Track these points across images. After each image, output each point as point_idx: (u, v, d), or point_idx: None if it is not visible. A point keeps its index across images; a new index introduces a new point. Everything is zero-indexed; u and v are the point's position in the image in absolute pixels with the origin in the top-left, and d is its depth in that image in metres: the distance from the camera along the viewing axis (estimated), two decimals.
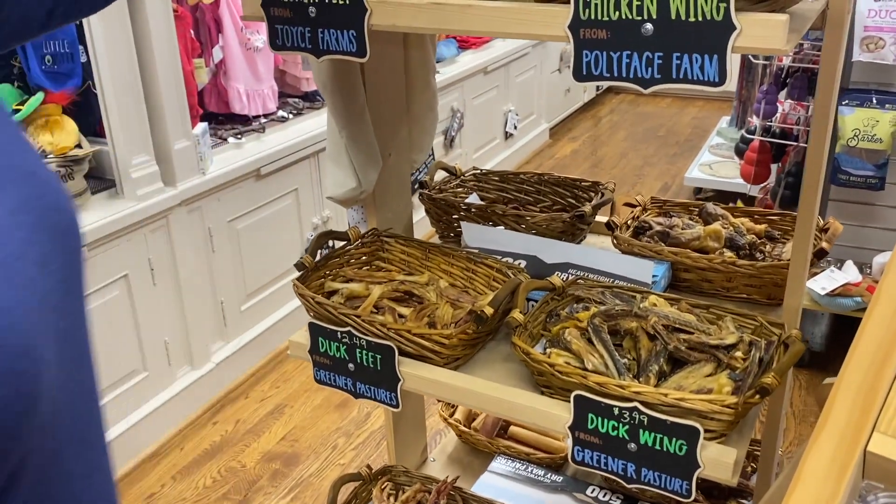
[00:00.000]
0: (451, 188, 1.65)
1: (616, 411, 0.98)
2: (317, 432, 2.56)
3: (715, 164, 4.34)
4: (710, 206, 1.46)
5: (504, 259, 1.33)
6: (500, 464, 1.66)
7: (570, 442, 1.03)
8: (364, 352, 1.16)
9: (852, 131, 2.54)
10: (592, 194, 1.58)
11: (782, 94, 2.89)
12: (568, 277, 1.27)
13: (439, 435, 2.44)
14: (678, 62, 0.81)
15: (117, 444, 2.37)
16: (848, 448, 0.71)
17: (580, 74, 0.86)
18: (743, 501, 1.50)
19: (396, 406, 1.18)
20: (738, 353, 1.01)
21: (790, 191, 2.64)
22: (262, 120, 2.95)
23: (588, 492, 1.56)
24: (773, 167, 3.03)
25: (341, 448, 2.48)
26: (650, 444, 0.98)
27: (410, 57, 1.41)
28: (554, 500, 1.55)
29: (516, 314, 1.10)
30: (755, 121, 3.00)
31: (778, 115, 2.93)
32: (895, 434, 0.71)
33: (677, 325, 1.07)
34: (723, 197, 4.03)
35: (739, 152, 2.97)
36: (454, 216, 1.52)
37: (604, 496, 1.55)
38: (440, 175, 1.63)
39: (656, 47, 0.82)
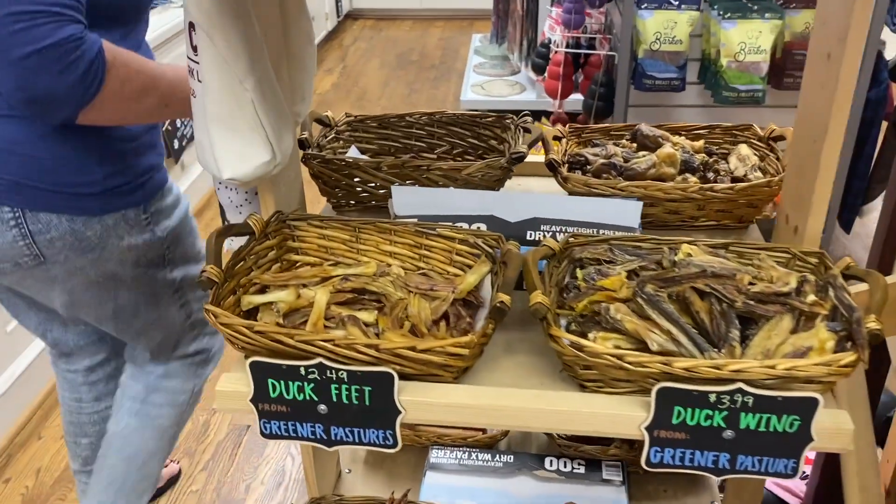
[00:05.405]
0: (328, 143, 1.31)
1: (713, 398, 0.79)
2: None
3: (486, 83, 4.29)
4: (645, 128, 1.30)
5: (458, 224, 1.06)
6: (438, 458, 1.42)
7: (646, 444, 0.83)
8: (344, 386, 0.85)
9: (654, 35, 2.55)
10: (498, 130, 1.35)
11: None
12: (546, 237, 1.04)
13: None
14: None
15: None
16: None
17: None
18: None
19: (395, 445, 0.88)
20: (811, 297, 0.87)
21: (603, 101, 2.62)
22: None
23: (547, 465, 1.39)
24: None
25: (188, 472, 2.06)
26: (752, 426, 0.81)
27: None
28: (518, 486, 1.35)
29: (540, 297, 0.85)
30: (548, 34, 2.93)
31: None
32: None
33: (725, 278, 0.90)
34: None
35: (539, 68, 2.89)
36: (356, 179, 1.21)
37: (565, 466, 1.39)
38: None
39: None
